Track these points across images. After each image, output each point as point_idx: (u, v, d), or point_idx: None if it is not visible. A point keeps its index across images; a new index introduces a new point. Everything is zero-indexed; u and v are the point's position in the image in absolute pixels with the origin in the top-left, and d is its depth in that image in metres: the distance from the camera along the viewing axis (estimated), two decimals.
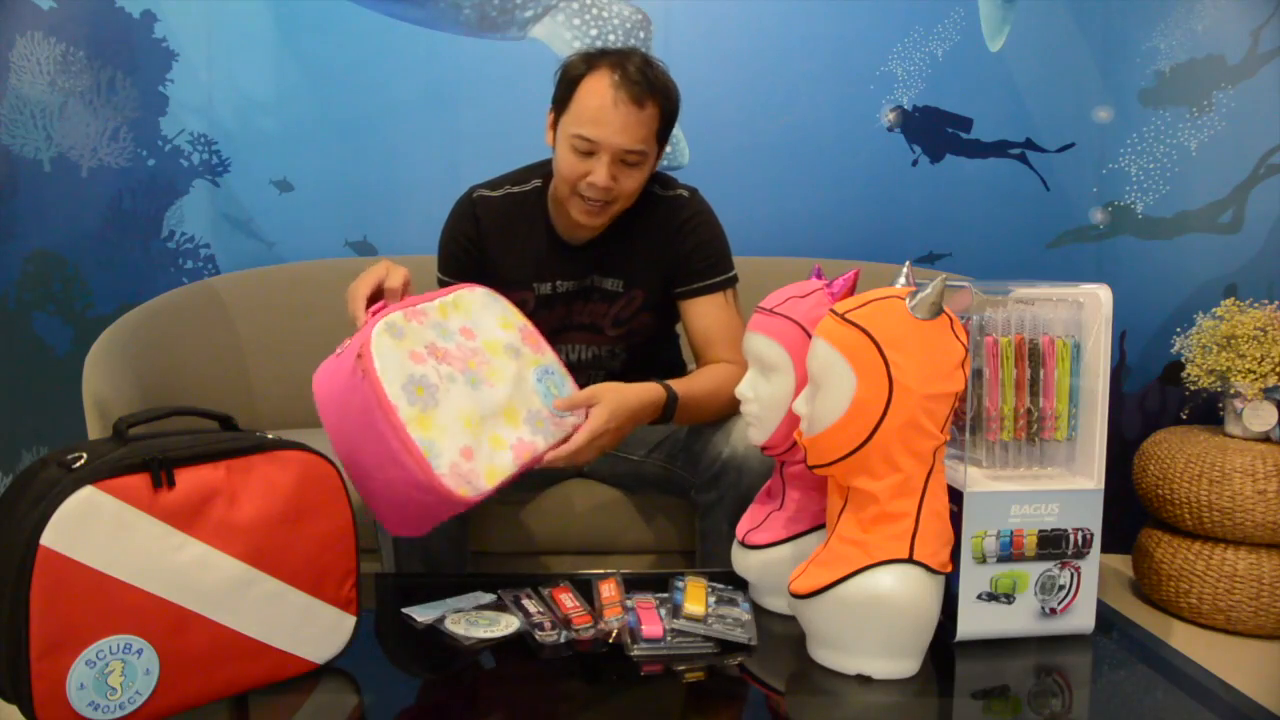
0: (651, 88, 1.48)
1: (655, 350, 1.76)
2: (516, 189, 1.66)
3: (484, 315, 1.36)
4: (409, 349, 1.21)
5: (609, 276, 1.64)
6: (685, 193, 1.65)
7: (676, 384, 1.51)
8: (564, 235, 1.64)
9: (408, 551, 1.53)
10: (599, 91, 1.46)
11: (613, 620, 1.19)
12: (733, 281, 1.66)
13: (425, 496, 1.16)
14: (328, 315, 2.27)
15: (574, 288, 1.65)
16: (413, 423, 1.16)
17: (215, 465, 1.01)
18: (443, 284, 1.65)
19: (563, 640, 1.16)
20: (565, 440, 1.35)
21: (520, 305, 1.63)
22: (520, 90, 2.39)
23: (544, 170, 1.64)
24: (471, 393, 1.25)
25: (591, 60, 1.49)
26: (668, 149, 2.45)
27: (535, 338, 1.40)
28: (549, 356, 1.40)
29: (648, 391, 1.46)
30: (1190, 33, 2.43)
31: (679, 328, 1.75)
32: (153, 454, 0.97)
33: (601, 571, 1.28)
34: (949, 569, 1.09)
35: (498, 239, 1.64)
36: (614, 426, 1.39)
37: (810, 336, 1.12)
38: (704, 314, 1.63)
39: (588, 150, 1.48)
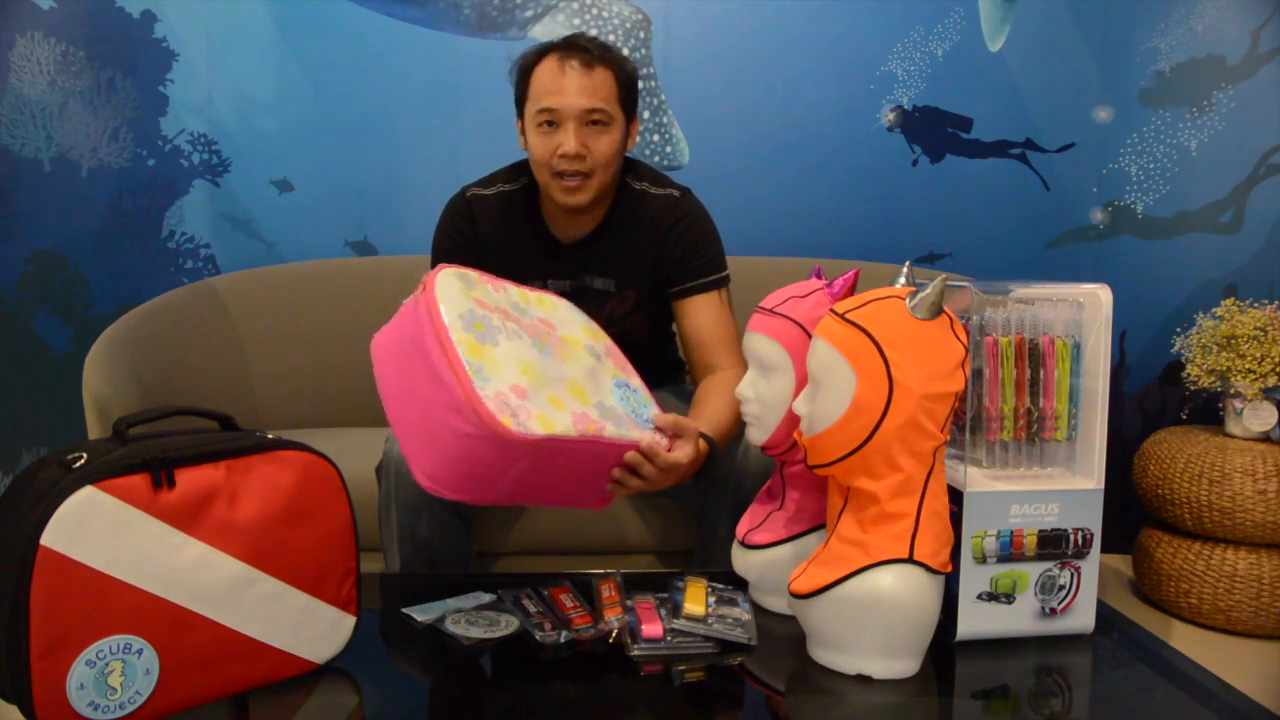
0: (601, 55, 1.54)
1: (650, 353, 1.75)
2: (509, 187, 1.66)
3: (570, 318, 1.34)
4: (477, 297, 1.18)
5: (600, 276, 1.64)
6: (677, 192, 1.65)
7: (709, 428, 1.45)
8: (556, 233, 1.65)
9: (411, 551, 1.53)
10: (549, 68, 1.53)
11: (613, 620, 1.19)
12: (726, 281, 1.66)
13: (464, 424, 1.06)
14: (328, 315, 2.28)
15: (566, 288, 1.65)
16: (464, 344, 1.09)
17: (215, 465, 1.01)
18: None
19: (563, 640, 1.16)
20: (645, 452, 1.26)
21: None
22: None
23: (531, 168, 1.64)
24: (537, 353, 1.17)
25: (539, 51, 1.56)
26: (666, 149, 2.47)
27: (621, 359, 1.35)
28: (635, 380, 1.33)
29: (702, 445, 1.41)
30: (1190, 33, 2.43)
31: (673, 328, 1.75)
32: (153, 454, 0.97)
33: (601, 571, 1.28)
34: (949, 569, 1.09)
35: (493, 239, 1.64)
36: (688, 466, 1.32)
37: (810, 336, 1.12)
38: (697, 314, 1.63)
39: (551, 120, 1.52)
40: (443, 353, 1.09)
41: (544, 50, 1.55)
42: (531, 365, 1.15)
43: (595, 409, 1.20)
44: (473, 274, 1.23)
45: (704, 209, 1.67)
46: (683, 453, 1.30)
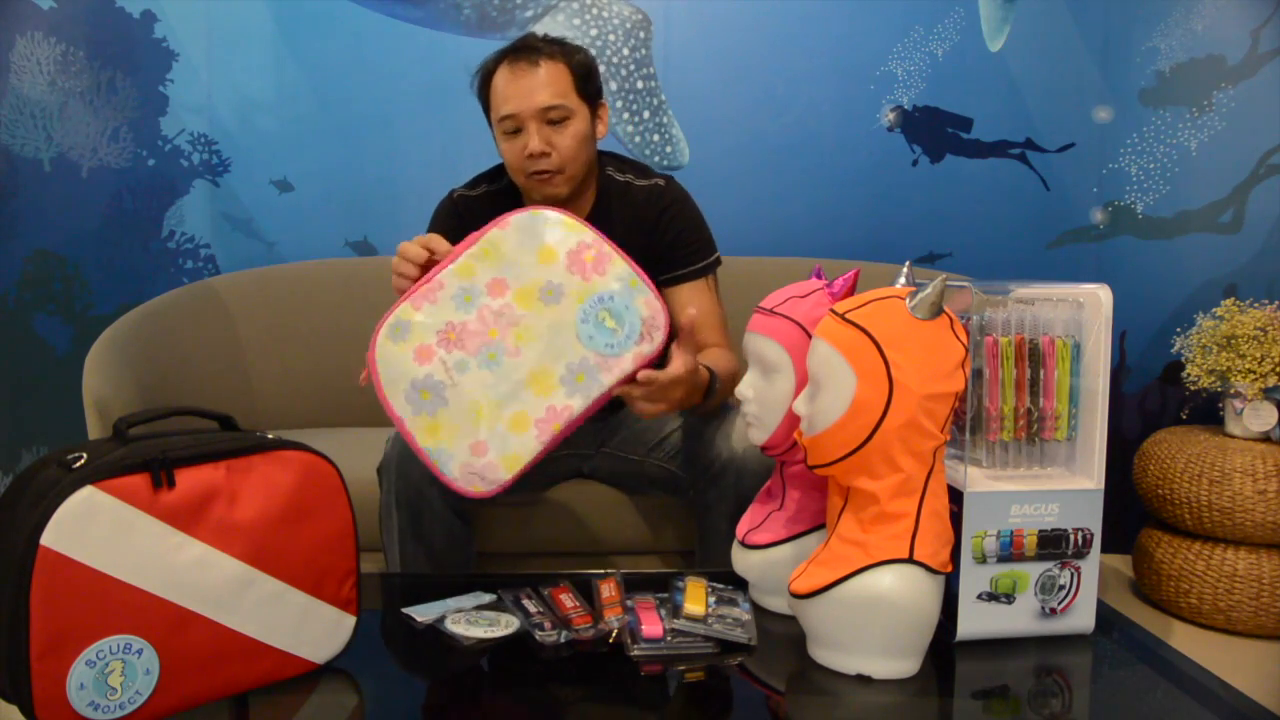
0: (547, 51, 1.56)
1: None
2: (494, 187, 1.69)
3: (520, 254, 1.25)
4: (415, 345, 1.22)
5: None
6: (662, 181, 1.68)
7: (708, 365, 1.49)
8: None
9: (413, 551, 1.54)
10: (502, 76, 1.56)
11: (613, 620, 1.19)
12: (713, 266, 1.68)
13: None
14: (328, 315, 2.28)
15: None
16: (420, 432, 1.21)
17: (215, 465, 1.01)
18: None
19: (563, 640, 1.16)
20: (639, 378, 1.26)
21: None
22: None
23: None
24: (488, 375, 1.22)
25: (493, 60, 1.59)
26: (666, 149, 2.47)
27: (594, 257, 1.25)
28: (612, 275, 1.25)
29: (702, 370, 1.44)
30: (1190, 33, 2.43)
31: None
32: (153, 454, 0.97)
33: (601, 571, 1.28)
34: (949, 569, 1.09)
35: None
36: (686, 374, 1.32)
37: (810, 336, 1.12)
38: (686, 301, 1.65)
39: (514, 128, 1.55)
40: (409, 441, 1.24)
41: (497, 59, 1.58)
42: (485, 402, 1.22)
43: (562, 387, 1.23)
44: (405, 311, 1.24)
45: (689, 195, 1.70)
46: (680, 361, 1.30)
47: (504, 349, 1.23)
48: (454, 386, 1.21)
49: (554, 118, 1.54)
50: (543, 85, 1.53)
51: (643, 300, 1.26)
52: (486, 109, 1.61)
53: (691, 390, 1.38)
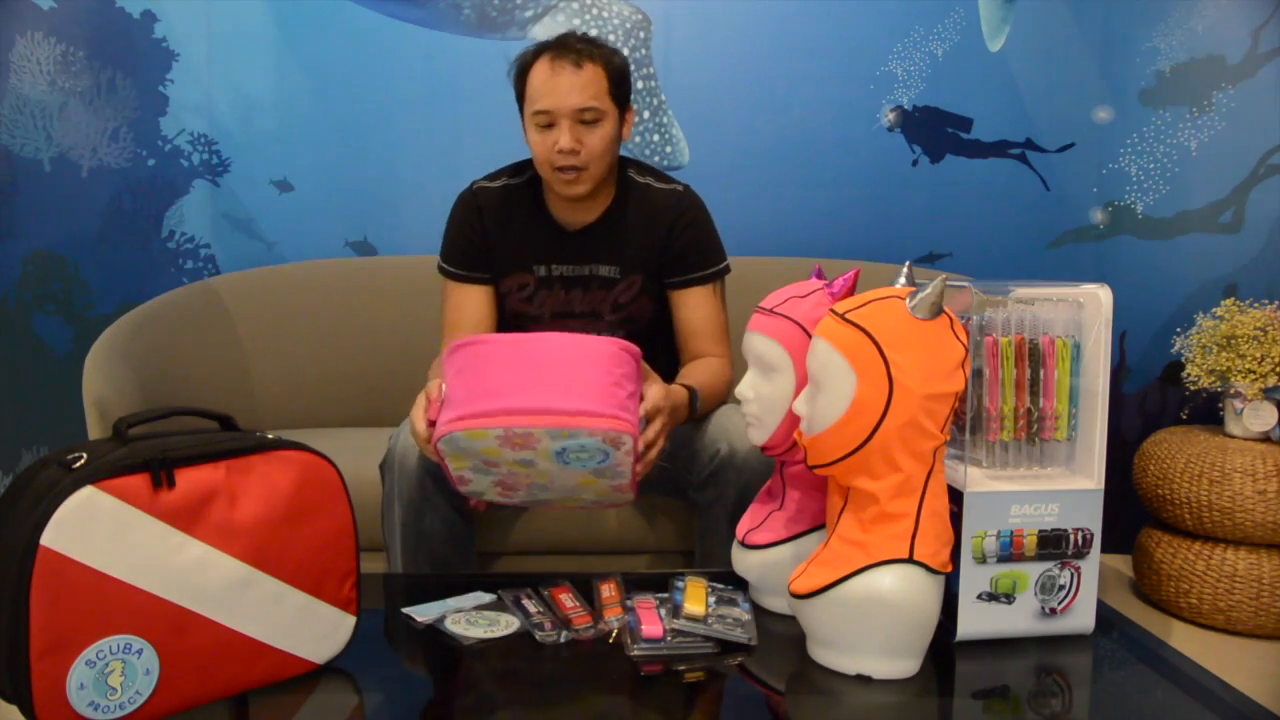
0: (588, 53, 1.59)
1: (656, 337, 1.75)
2: (514, 180, 1.73)
3: (476, 455, 1.21)
4: (495, 493, 1.31)
5: (605, 263, 1.69)
6: (680, 187, 1.72)
7: (688, 381, 1.56)
8: (560, 221, 1.70)
9: (414, 545, 1.54)
10: (542, 70, 1.58)
11: (613, 620, 1.19)
12: (722, 273, 1.72)
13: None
14: (328, 315, 2.28)
15: (571, 273, 1.70)
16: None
17: (215, 465, 1.01)
18: (444, 272, 1.74)
19: (563, 640, 1.16)
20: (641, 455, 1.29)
21: (520, 289, 1.71)
22: None
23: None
24: (551, 494, 1.31)
25: (533, 52, 1.62)
26: (666, 149, 2.47)
27: (519, 438, 1.17)
28: (546, 438, 1.17)
29: (677, 388, 1.50)
30: (1190, 33, 2.43)
31: None
32: (153, 454, 0.97)
33: (601, 571, 1.28)
34: (949, 569, 1.09)
35: (498, 227, 1.70)
36: (664, 402, 1.37)
37: (810, 336, 1.12)
38: (691, 305, 1.69)
39: (548, 123, 1.58)
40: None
41: (537, 52, 1.61)
42: (572, 501, 1.34)
43: (603, 478, 1.27)
44: (462, 486, 1.30)
45: (704, 205, 1.74)
46: (651, 395, 1.34)
47: (542, 481, 1.26)
48: (542, 502, 1.34)
49: (587, 119, 1.57)
50: (581, 86, 1.56)
51: (585, 434, 1.16)
52: (519, 98, 1.64)
53: (676, 409, 1.45)
